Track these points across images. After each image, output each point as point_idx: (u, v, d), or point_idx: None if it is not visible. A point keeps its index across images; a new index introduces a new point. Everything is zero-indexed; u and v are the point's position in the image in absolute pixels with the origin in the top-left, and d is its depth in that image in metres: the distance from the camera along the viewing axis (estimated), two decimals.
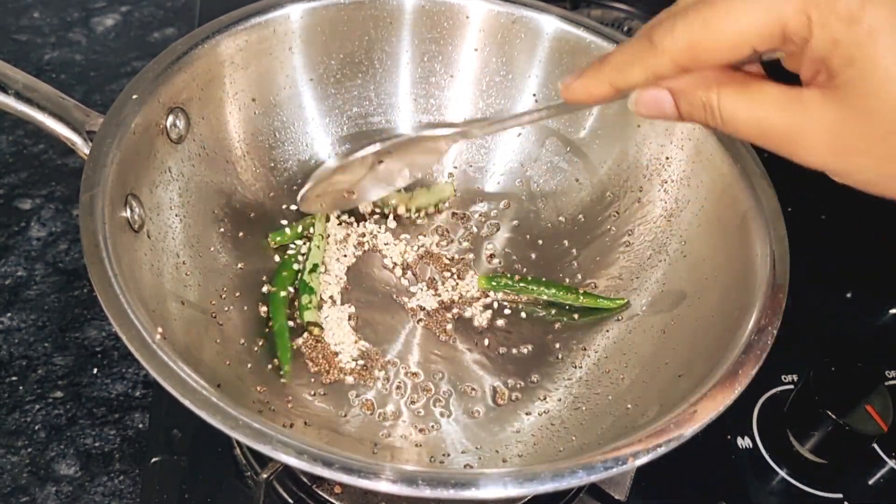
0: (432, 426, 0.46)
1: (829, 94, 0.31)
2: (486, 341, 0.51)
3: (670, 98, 0.35)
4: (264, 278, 0.52)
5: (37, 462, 0.49)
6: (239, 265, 0.51)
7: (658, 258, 0.51)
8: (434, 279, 0.54)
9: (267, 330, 0.49)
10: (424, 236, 0.56)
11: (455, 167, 0.59)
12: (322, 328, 0.50)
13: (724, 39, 0.31)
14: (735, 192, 0.47)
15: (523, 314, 0.52)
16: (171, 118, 0.47)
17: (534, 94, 0.57)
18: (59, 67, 0.75)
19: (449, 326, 0.51)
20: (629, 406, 0.44)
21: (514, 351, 0.51)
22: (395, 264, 0.54)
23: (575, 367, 0.49)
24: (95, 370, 0.53)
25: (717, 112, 0.34)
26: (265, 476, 0.43)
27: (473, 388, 0.49)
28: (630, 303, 0.51)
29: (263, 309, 0.50)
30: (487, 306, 0.53)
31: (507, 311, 0.53)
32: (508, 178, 0.59)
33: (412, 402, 0.48)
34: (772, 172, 0.46)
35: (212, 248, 0.50)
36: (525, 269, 0.55)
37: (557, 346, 0.51)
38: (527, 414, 0.47)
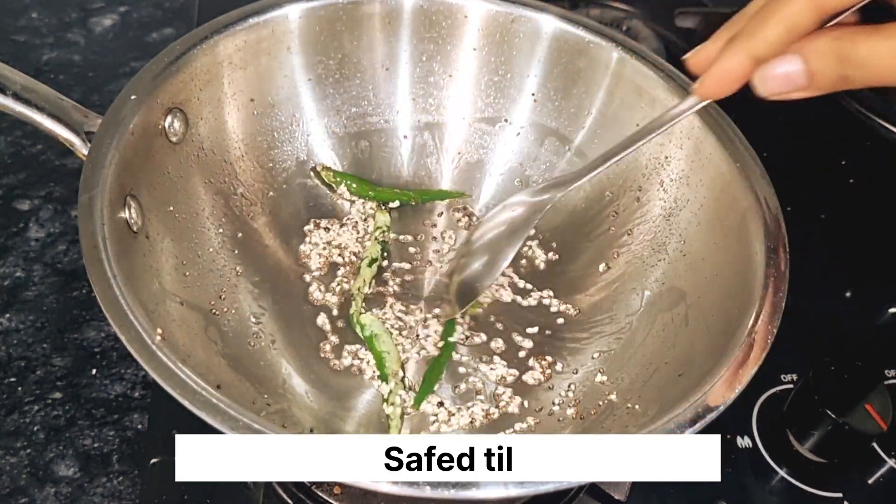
0: (432, 430, 0.46)
1: None
2: (485, 342, 0.51)
3: (800, 67, 0.34)
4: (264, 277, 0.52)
5: (36, 463, 0.49)
6: (238, 266, 0.51)
7: (657, 257, 0.51)
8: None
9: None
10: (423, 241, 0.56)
11: (455, 168, 0.59)
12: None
13: None
14: (735, 192, 0.46)
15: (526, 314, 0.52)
16: (169, 119, 0.47)
17: (533, 94, 0.57)
18: (58, 68, 0.74)
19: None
20: (629, 405, 0.44)
21: (514, 353, 0.51)
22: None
23: (575, 367, 0.49)
24: (94, 371, 0.53)
25: (856, 60, 0.33)
26: None
27: (475, 391, 0.49)
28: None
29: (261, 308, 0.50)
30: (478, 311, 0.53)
31: (502, 315, 0.52)
32: (507, 178, 0.58)
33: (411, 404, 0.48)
34: (772, 172, 0.46)
35: (210, 249, 0.50)
36: (523, 269, 0.55)
37: (557, 345, 0.51)
38: (528, 414, 0.47)
